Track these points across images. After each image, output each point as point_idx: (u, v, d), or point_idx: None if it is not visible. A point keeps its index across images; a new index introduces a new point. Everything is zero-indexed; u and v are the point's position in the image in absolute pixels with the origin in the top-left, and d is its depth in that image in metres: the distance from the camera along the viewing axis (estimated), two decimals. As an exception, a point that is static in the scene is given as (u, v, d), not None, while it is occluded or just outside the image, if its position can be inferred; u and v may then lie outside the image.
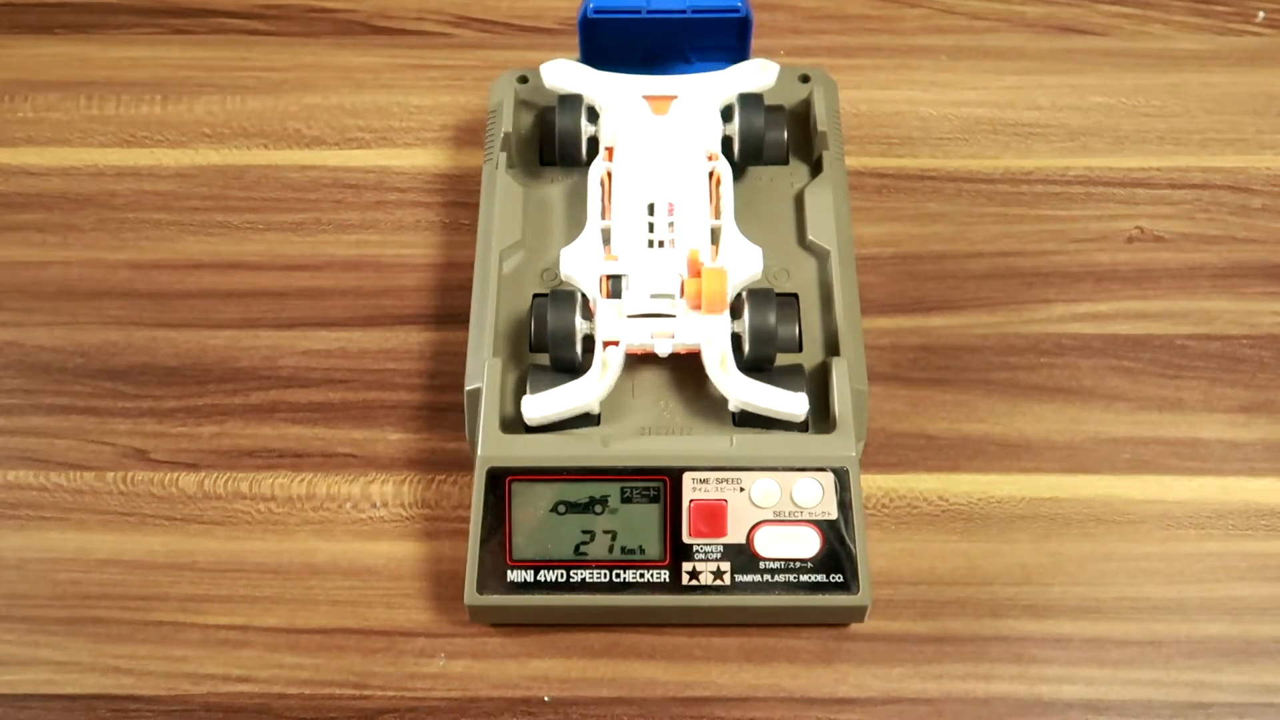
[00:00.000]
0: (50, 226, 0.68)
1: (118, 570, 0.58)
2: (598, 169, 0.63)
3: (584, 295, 0.59)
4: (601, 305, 0.59)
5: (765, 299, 0.58)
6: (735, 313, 0.59)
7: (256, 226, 0.68)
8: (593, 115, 0.65)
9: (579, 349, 0.58)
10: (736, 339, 0.58)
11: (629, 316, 0.58)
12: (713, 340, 0.58)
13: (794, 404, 0.56)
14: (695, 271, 0.59)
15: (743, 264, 0.60)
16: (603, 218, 0.61)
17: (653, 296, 0.59)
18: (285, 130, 0.72)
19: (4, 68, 0.74)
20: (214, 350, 0.64)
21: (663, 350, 0.58)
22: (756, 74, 0.65)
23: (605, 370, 0.57)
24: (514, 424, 0.58)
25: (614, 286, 0.59)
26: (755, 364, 0.58)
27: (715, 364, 0.57)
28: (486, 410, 0.57)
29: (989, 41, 0.76)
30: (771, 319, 0.58)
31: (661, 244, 0.60)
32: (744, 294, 0.59)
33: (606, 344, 0.58)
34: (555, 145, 0.65)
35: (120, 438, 0.61)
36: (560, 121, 0.64)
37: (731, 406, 0.57)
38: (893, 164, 0.70)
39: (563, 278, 0.60)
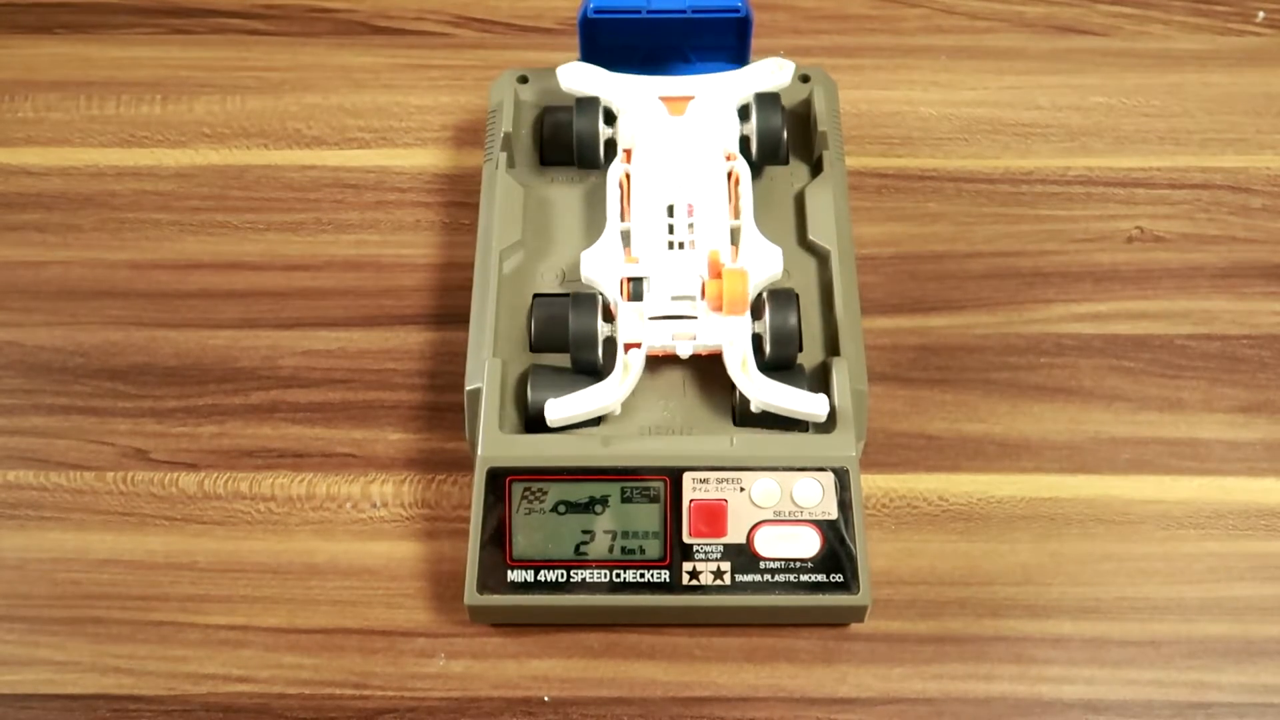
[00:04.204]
0: (50, 226, 0.68)
1: (118, 570, 0.58)
2: (616, 171, 0.63)
3: (604, 297, 0.59)
4: (623, 308, 0.59)
5: (786, 300, 0.58)
6: (755, 313, 0.59)
7: (256, 226, 0.68)
8: (609, 117, 0.65)
9: (600, 351, 0.58)
10: (756, 339, 0.58)
11: (650, 319, 0.58)
12: (734, 341, 0.58)
13: (815, 405, 0.56)
14: (716, 273, 0.59)
15: (763, 264, 0.60)
16: (622, 220, 0.61)
17: (674, 298, 0.59)
18: (285, 130, 0.72)
19: (4, 68, 0.74)
20: (214, 350, 0.64)
21: (684, 352, 0.58)
22: (772, 73, 0.65)
23: (627, 373, 0.57)
24: (514, 424, 0.58)
25: (635, 289, 0.59)
26: (776, 365, 0.58)
27: (736, 365, 0.57)
28: (486, 410, 0.57)
29: (989, 41, 0.76)
30: (793, 320, 0.58)
31: (681, 245, 0.60)
32: (764, 295, 0.59)
33: (628, 346, 0.58)
34: (573, 148, 0.64)
35: (120, 438, 0.61)
36: (578, 124, 0.64)
37: (754, 408, 0.57)
38: (893, 164, 0.70)
39: (584, 280, 0.60)
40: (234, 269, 0.66)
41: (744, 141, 0.64)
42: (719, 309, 0.58)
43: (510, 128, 0.66)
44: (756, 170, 0.65)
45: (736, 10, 0.65)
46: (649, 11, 0.65)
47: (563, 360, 0.59)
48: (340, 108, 0.73)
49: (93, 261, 0.67)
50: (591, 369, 0.58)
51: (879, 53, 0.75)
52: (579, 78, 0.65)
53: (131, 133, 0.72)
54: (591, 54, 0.66)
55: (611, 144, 0.65)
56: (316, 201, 0.69)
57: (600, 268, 0.60)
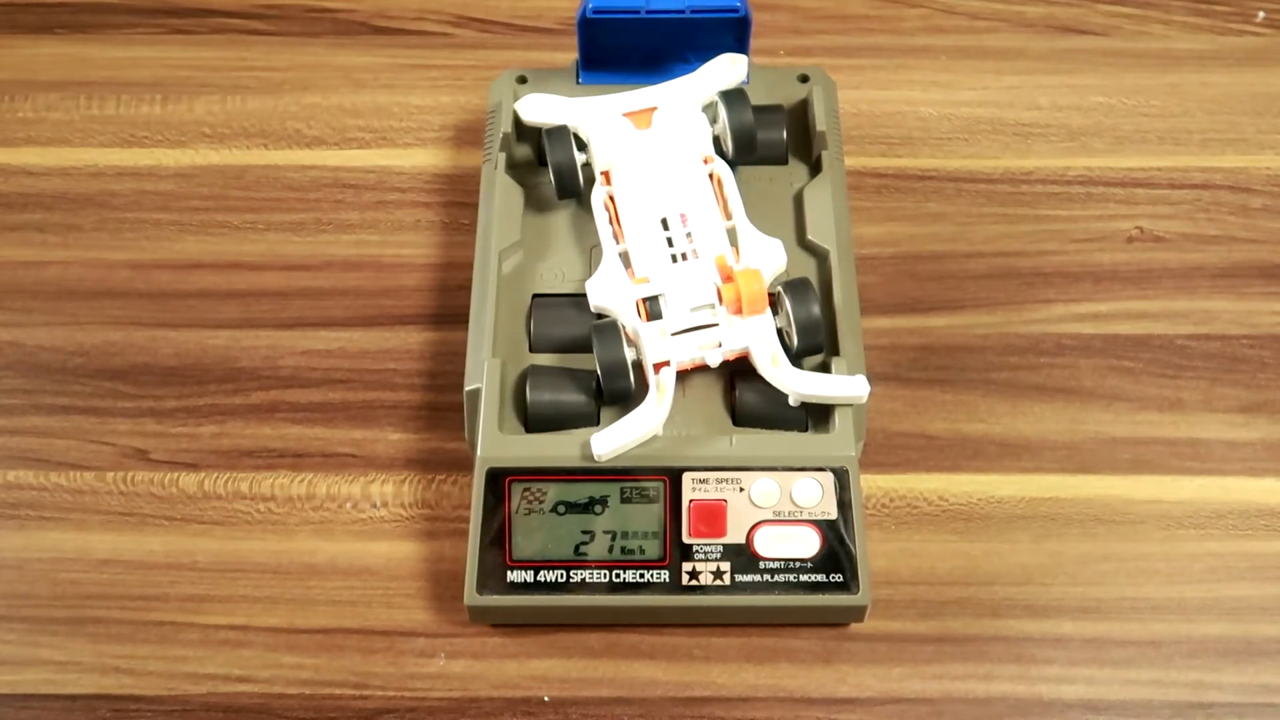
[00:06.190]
0: (50, 226, 0.68)
1: (118, 570, 0.58)
2: (599, 195, 0.62)
3: (621, 322, 0.59)
4: (643, 329, 0.58)
5: (804, 289, 0.58)
6: (772, 308, 0.59)
7: (256, 226, 0.68)
8: (580, 143, 0.64)
9: (632, 378, 0.57)
10: (780, 334, 0.58)
11: (674, 335, 0.58)
12: (760, 340, 0.57)
13: (855, 387, 0.56)
14: (727, 276, 0.58)
15: (768, 259, 0.60)
16: (616, 242, 0.61)
17: (692, 310, 0.58)
18: (285, 130, 0.72)
19: (4, 68, 0.74)
20: (214, 350, 0.64)
21: (714, 361, 0.57)
22: (726, 70, 0.65)
23: (663, 393, 0.56)
24: (513, 424, 0.58)
25: (651, 308, 0.59)
26: (805, 353, 0.58)
27: (767, 362, 0.57)
28: (486, 410, 0.57)
29: (989, 41, 0.76)
30: (815, 308, 0.57)
31: (684, 256, 0.60)
32: (780, 288, 0.59)
33: (658, 366, 0.57)
34: (552, 181, 0.63)
35: (120, 438, 0.61)
36: (554, 156, 0.63)
37: (792, 401, 0.57)
38: (893, 164, 0.70)
39: (593, 309, 0.59)
40: (234, 269, 0.66)
41: (716, 141, 0.64)
42: (739, 311, 0.58)
43: (509, 128, 0.66)
44: (739, 167, 0.64)
45: (736, 10, 0.65)
46: (648, 12, 0.65)
47: (562, 361, 0.59)
48: (340, 108, 0.73)
49: (93, 261, 0.67)
50: (625, 397, 0.57)
51: (879, 53, 0.75)
52: (538, 108, 0.65)
53: (131, 133, 0.72)
54: (590, 54, 0.66)
55: (588, 169, 0.64)
56: (316, 201, 0.69)
57: (610, 294, 0.59)
